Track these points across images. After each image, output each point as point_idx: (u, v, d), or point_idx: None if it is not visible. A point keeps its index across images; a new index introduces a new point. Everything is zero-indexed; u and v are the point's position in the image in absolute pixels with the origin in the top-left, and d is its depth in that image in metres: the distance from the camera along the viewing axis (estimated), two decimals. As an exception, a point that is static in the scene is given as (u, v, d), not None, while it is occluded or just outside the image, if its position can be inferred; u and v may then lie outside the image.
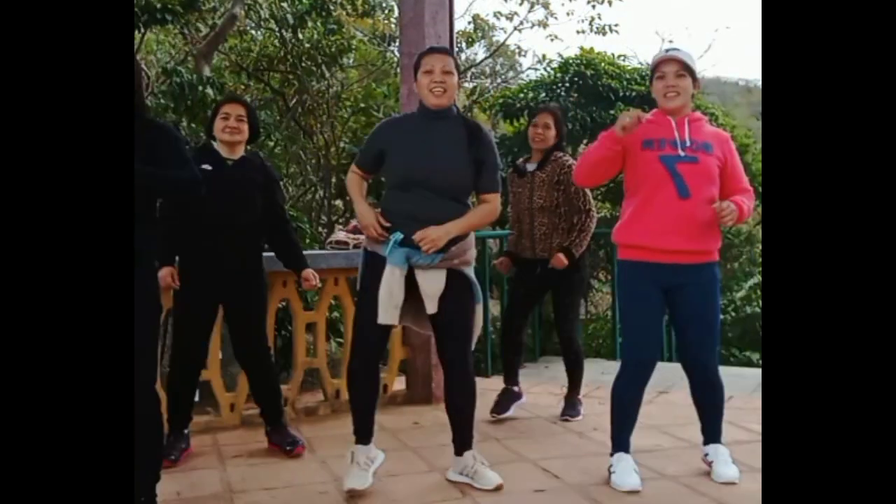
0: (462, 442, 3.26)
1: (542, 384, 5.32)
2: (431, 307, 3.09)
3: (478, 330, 3.21)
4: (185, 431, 3.72)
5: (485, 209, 3.21)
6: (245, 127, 3.68)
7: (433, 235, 3.02)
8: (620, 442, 3.25)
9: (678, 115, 3.16)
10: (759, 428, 3.84)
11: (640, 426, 3.83)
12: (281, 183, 4.35)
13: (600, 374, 5.68)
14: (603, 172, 3.22)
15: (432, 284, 3.09)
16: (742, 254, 12.90)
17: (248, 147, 3.81)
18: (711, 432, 3.35)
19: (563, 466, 3.45)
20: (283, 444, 3.70)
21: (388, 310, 3.03)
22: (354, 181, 3.30)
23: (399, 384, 4.88)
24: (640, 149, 3.12)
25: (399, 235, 3.05)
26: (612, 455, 3.26)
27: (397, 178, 3.15)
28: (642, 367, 3.18)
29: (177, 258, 3.63)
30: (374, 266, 3.10)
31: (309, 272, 3.86)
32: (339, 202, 8.82)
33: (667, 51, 3.20)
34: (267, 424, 3.82)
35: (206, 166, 3.50)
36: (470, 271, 3.19)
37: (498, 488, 3.13)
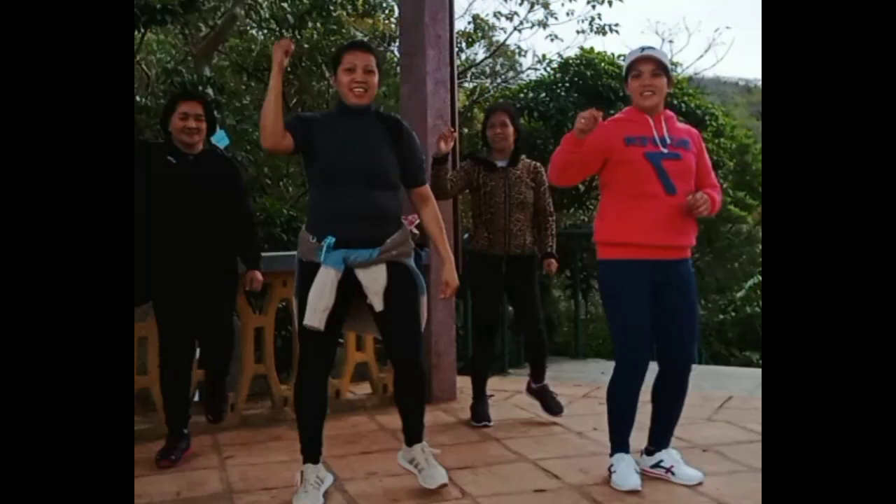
0: (412, 434, 3.22)
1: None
2: (378, 304, 3.01)
3: (423, 321, 3.15)
4: (185, 431, 3.72)
5: (435, 210, 3.23)
6: (204, 126, 3.68)
7: (452, 283, 3.18)
8: (619, 442, 3.25)
9: (654, 113, 3.17)
10: (759, 428, 3.84)
11: (640, 426, 3.82)
12: (268, 181, 4.35)
13: (600, 374, 5.69)
14: (575, 173, 3.21)
15: (376, 280, 3.01)
16: (742, 254, 12.91)
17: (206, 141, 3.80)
18: (667, 436, 3.32)
19: (563, 466, 3.45)
20: (210, 409, 3.91)
21: (317, 312, 2.93)
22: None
23: (399, 384, 4.87)
24: (624, 146, 3.11)
25: (331, 240, 2.96)
26: (611, 455, 3.26)
27: (326, 171, 3.02)
28: (637, 370, 3.17)
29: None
30: (309, 275, 2.99)
31: (255, 274, 3.86)
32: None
33: (642, 49, 3.19)
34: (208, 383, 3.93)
35: (171, 158, 3.58)
36: (410, 262, 3.11)
37: (442, 486, 3.09)
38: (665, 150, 3.11)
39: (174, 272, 3.57)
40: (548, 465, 3.47)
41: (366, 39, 9.74)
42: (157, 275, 3.56)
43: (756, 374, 5.64)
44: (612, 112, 8.81)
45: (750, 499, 2.99)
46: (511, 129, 4.26)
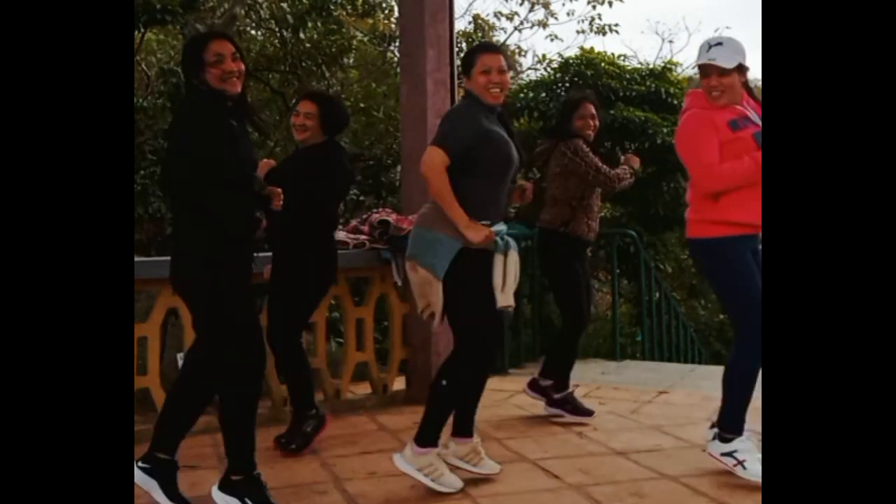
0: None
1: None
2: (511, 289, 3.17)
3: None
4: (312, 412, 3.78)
5: None
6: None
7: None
8: (740, 423, 3.20)
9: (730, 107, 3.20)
10: (759, 428, 3.83)
11: (640, 426, 3.82)
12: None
13: (600, 374, 5.69)
14: None
15: (517, 263, 3.20)
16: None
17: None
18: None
19: (563, 466, 3.44)
20: None
21: (508, 294, 3.13)
22: (445, 178, 3.05)
23: (399, 384, 4.88)
24: (731, 131, 3.13)
25: (502, 227, 3.18)
26: (729, 441, 3.18)
27: (498, 168, 3.15)
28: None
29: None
30: (473, 261, 3.07)
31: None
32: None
33: (708, 48, 3.18)
34: None
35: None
36: None
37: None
38: (759, 124, 3.15)
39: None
40: (548, 465, 3.47)
41: (366, 39, 9.77)
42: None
43: (756, 374, 5.63)
44: (611, 112, 8.78)
45: (750, 499, 2.99)
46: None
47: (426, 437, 3.10)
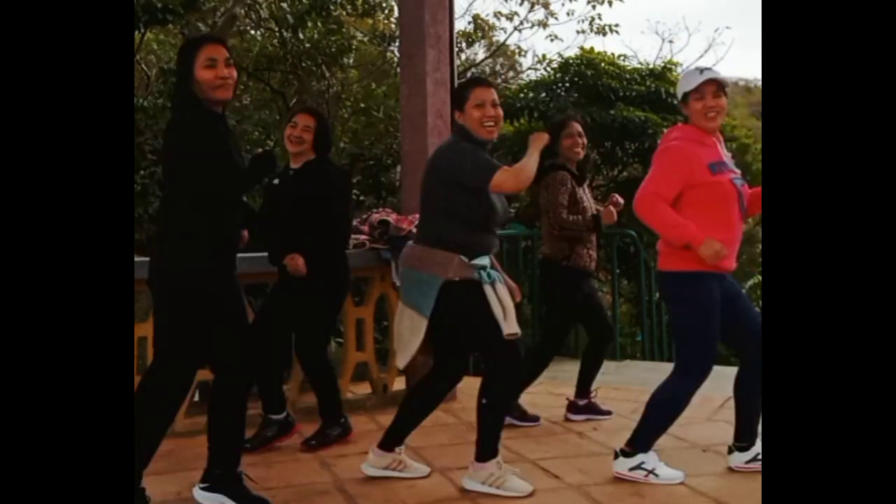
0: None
1: (541, 384, 5.30)
2: (512, 319, 3.13)
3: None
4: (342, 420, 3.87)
5: None
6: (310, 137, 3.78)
7: None
8: (649, 444, 3.25)
9: (715, 134, 3.22)
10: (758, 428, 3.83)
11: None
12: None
13: (600, 374, 5.68)
14: None
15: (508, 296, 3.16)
16: (742, 254, 12.90)
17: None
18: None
19: (564, 466, 3.44)
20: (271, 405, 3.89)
21: (511, 322, 3.09)
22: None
23: (399, 384, 4.87)
24: (710, 174, 3.11)
25: (487, 261, 3.15)
26: (634, 455, 3.21)
27: (493, 214, 3.15)
28: (706, 377, 3.19)
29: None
30: (470, 293, 3.08)
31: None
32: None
33: (701, 71, 3.18)
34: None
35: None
36: None
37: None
38: (739, 175, 3.19)
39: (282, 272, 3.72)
40: (548, 465, 3.47)
41: (366, 39, 9.78)
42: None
43: (756, 374, 5.64)
44: (611, 112, 8.72)
45: (750, 499, 2.99)
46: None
47: (485, 452, 3.14)
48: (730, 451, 3.37)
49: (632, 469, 3.21)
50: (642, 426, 3.25)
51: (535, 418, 4.25)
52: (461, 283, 3.06)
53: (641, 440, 3.24)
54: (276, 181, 3.80)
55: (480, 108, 3.09)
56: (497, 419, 3.16)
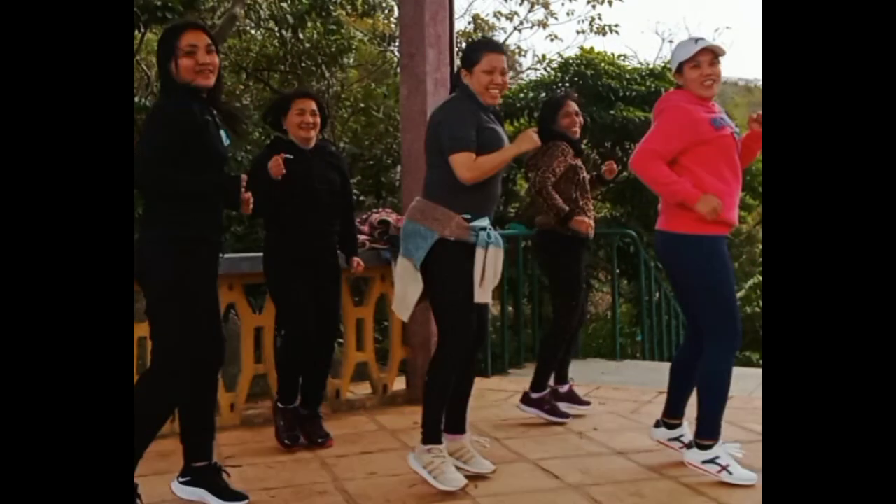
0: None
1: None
2: (493, 283, 3.14)
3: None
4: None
5: None
6: (318, 120, 3.90)
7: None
8: (717, 428, 3.18)
9: (711, 102, 3.25)
10: (759, 428, 3.84)
11: (640, 426, 3.82)
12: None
13: (600, 374, 5.69)
14: None
15: (501, 260, 3.17)
16: (742, 254, 12.93)
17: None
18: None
19: (563, 466, 3.44)
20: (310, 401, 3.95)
21: (487, 290, 3.10)
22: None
23: (399, 384, 4.88)
24: (714, 128, 3.13)
25: (487, 222, 3.14)
26: (708, 448, 3.15)
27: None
28: (740, 339, 3.18)
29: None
30: (458, 254, 3.07)
31: (359, 260, 4.15)
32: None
33: (696, 41, 3.20)
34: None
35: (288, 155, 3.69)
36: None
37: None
38: (737, 129, 3.21)
39: (296, 264, 3.77)
40: (548, 465, 3.47)
41: (366, 39, 9.77)
42: (281, 266, 3.79)
43: (756, 374, 5.63)
44: (611, 112, 8.74)
45: (750, 499, 2.99)
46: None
47: (427, 435, 3.11)
48: (657, 426, 3.40)
49: (705, 462, 3.15)
50: (701, 412, 3.18)
51: (585, 403, 4.33)
52: (455, 243, 3.07)
53: (708, 426, 3.16)
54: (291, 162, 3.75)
55: (489, 74, 3.10)
56: (435, 400, 3.14)
